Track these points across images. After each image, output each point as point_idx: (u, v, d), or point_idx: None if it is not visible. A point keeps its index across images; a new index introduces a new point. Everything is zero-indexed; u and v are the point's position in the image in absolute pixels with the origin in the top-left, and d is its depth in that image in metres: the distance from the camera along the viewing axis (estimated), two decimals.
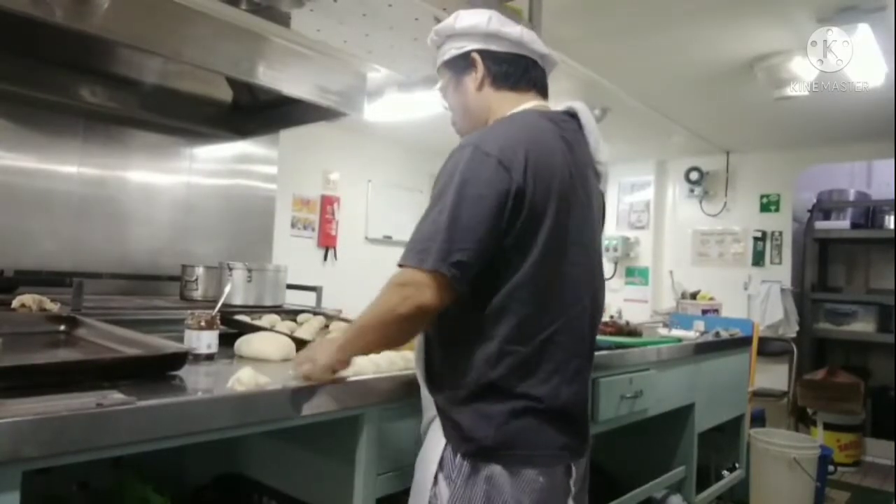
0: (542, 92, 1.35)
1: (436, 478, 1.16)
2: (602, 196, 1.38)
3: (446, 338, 1.21)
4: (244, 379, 1.12)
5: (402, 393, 1.35)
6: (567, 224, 1.19)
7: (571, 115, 1.31)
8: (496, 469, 1.13)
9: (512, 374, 1.14)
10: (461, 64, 1.31)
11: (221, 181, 2.77)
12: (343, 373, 1.28)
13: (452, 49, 1.31)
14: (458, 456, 1.15)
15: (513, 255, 1.14)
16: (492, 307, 1.14)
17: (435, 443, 1.19)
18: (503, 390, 1.14)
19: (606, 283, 5.92)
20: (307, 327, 1.81)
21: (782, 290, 4.95)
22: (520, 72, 1.31)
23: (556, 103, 1.34)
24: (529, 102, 1.30)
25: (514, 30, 1.29)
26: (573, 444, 1.22)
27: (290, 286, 2.44)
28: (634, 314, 5.06)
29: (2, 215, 2.14)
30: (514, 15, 2.05)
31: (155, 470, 1.50)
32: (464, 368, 1.16)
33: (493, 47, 1.29)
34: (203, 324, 1.35)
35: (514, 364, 1.14)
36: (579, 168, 1.25)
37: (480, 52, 1.29)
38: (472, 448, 1.14)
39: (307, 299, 2.53)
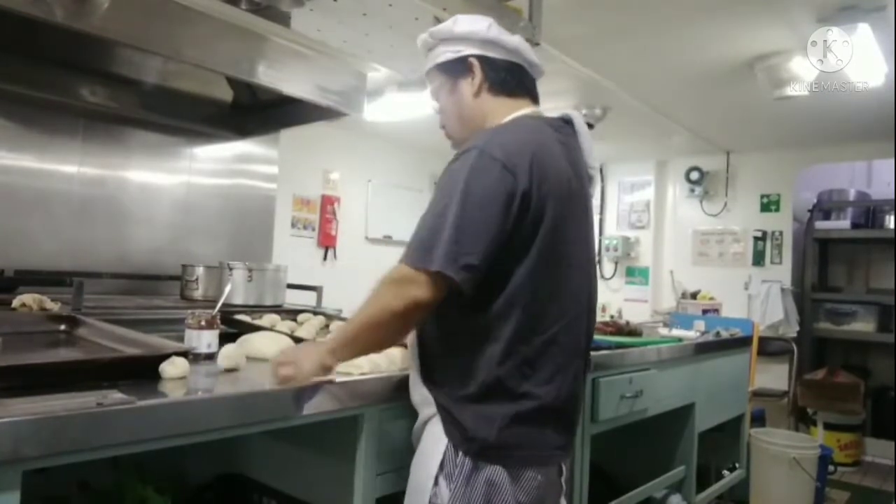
0: (535, 99, 1.37)
1: (436, 478, 1.16)
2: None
3: (449, 338, 1.21)
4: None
5: (401, 393, 1.35)
6: (567, 227, 1.21)
7: (566, 122, 1.34)
8: (497, 469, 1.14)
9: (516, 374, 1.16)
10: (457, 68, 1.32)
11: (221, 181, 2.76)
12: (343, 372, 1.28)
13: (448, 52, 1.32)
14: (460, 454, 1.15)
15: (516, 257, 1.15)
16: (497, 308, 1.15)
17: (435, 442, 1.19)
18: (507, 390, 1.16)
19: (607, 282, 5.90)
20: (307, 327, 1.81)
21: (782, 290, 4.96)
22: (516, 79, 1.33)
23: (549, 108, 1.36)
24: (524, 109, 1.32)
25: (513, 39, 1.31)
26: (567, 443, 1.26)
27: (290, 286, 2.44)
28: (634, 314, 5.07)
29: (2, 215, 2.14)
30: (514, 14, 2.05)
31: (155, 470, 1.49)
32: (468, 368, 1.16)
33: (491, 54, 1.30)
34: (203, 323, 1.35)
35: (518, 364, 1.16)
36: (577, 172, 1.28)
37: (479, 57, 1.30)
38: (474, 447, 1.15)
39: (307, 299, 2.53)
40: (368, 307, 1.14)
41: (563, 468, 1.27)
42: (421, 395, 1.24)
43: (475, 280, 1.12)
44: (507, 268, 1.15)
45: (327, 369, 1.18)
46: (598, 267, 1.38)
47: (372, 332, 1.16)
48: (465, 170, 1.14)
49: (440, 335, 1.22)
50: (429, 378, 1.24)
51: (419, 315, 1.14)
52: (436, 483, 1.16)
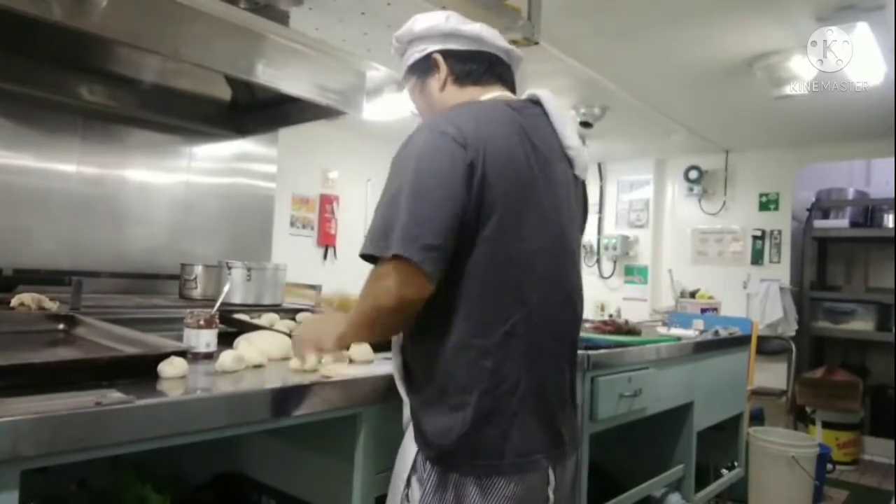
0: (509, 86, 1.33)
1: (409, 479, 1.14)
2: (577, 182, 1.32)
3: (415, 336, 1.18)
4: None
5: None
6: (523, 210, 1.13)
7: (534, 103, 1.28)
8: (463, 478, 1.08)
9: (474, 371, 1.09)
10: (424, 66, 1.31)
11: (220, 180, 2.76)
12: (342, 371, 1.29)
13: (415, 53, 1.31)
14: (427, 461, 1.11)
15: (464, 241, 1.08)
16: (447, 298, 1.10)
17: (409, 444, 1.16)
18: (465, 390, 1.09)
19: (606, 281, 5.85)
20: None
21: (781, 289, 4.96)
22: (483, 68, 1.29)
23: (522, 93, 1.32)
24: (492, 94, 1.28)
25: (473, 27, 1.28)
26: (547, 447, 1.15)
27: (289, 285, 2.44)
28: (633, 313, 5.07)
29: (0, 214, 2.14)
30: (513, 13, 2.05)
31: (154, 469, 1.49)
32: (429, 368, 1.13)
33: (454, 46, 1.28)
34: (202, 322, 1.35)
35: (475, 359, 1.09)
36: (540, 154, 1.19)
37: (442, 52, 1.28)
38: (434, 454, 1.10)
39: (306, 298, 2.53)
40: (359, 304, 1.16)
41: (551, 476, 1.15)
42: (401, 394, 1.22)
43: (439, 261, 1.05)
44: (457, 254, 1.08)
45: (343, 347, 1.25)
46: (579, 252, 1.32)
47: (366, 327, 1.17)
48: (415, 149, 1.10)
49: (411, 333, 1.18)
50: (406, 378, 1.21)
51: (403, 306, 1.08)
52: (408, 484, 1.14)
